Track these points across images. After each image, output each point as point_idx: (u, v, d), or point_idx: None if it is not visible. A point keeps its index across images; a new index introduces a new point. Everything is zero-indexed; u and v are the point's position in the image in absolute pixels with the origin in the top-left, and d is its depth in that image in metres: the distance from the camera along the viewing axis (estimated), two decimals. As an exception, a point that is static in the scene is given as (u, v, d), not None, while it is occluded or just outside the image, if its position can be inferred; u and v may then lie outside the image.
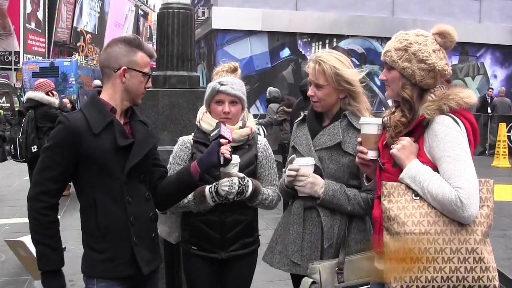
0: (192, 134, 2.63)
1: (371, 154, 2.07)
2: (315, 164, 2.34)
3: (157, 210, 2.24)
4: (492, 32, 17.90)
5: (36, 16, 28.59)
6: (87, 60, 26.02)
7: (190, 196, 2.42)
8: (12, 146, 6.01)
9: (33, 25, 27.90)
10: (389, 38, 2.07)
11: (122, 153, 2.05)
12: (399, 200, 1.85)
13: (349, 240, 2.35)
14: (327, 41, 16.92)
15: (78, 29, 32.67)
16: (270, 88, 10.50)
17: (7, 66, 24.03)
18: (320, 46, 16.74)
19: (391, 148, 1.94)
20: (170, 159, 2.59)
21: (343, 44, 16.86)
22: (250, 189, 2.42)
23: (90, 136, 2.00)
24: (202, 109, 2.63)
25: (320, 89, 2.37)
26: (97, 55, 30.12)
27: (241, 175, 2.40)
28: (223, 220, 2.48)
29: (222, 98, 2.49)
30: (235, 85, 2.50)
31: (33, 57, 25.56)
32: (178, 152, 2.59)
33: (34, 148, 5.86)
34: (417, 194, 1.84)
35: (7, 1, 25.18)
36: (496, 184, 1.88)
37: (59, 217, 2.10)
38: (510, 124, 13.40)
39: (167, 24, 3.87)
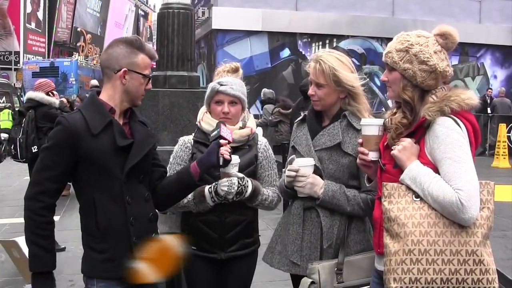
0: (193, 134, 2.63)
1: (372, 155, 2.07)
2: (314, 165, 2.34)
3: (157, 210, 2.24)
4: (492, 32, 17.91)
5: (36, 16, 28.59)
6: (87, 60, 26.04)
7: (190, 196, 2.42)
8: (13, 146, 6.00)
9: (33, 25, 27.91)
10: (389, 39, 2.06)
11: (121, 153, 2.04)
12: (400, 201, 1.85)
13: (349, 240, 2.34)
14: (327, 41, 16.94)
15: (78, 29, 32.67)
16: (265, 90, 10.55)
17: (7, 66, 24.04)
18: (320, 46, 16.76)
19: (392, 149, 1.94)
20: (171, 159, 2.60)
21: (343, 44, 16.87)
22: (249, 189, 2.42)
23: (89, 137, 1.99)
24: (203, 109, 2.63)
25: (321, 88, 2.37)
26: (97, 55, 30.15)
27: (241, 175, 2.40)
28: (222, 220, 2.48)
29: (222, 98, 2.49)
30: (235, 86, 2.50)
31: (33, 57, 25.58)
32: (179, 152, 2.59)
33: (34, 148, 5.86)
34: (417, 196, 1.84)
35: (7, 1, 25.18)
36: (496, 185, 1.87)
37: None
38: (510, 125, 13.40)
39: (167, 24, 3.88)
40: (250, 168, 2.52)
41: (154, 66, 4.15)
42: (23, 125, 6.02)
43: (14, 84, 20.40)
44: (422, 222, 1.79)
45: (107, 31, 37.25)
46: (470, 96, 1.91)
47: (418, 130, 1.92)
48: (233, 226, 2.49)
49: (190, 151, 2.55)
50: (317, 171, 2.34)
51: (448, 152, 1.82)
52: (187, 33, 3.90)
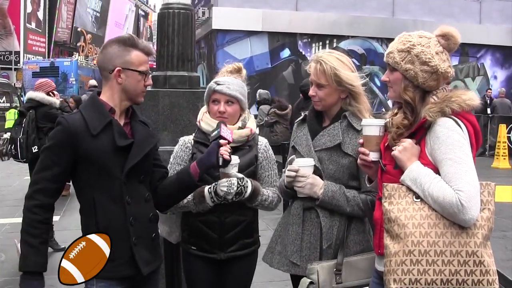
0: (193, 134, 2.63)
1: (373, 156, 2.06)
2: (314, 165, 2.34)
3: (158, 210, 2.24)
4: (492, 33, 17.92)
5: (37, 16, 28.62)
6: (87, 60, 26.07)
7: (190, 196, 2.42)
8: (13, 146, 5.99)
9: (33, 25, 27.93)
10: (389, 39, 2.06)
11: (121, 153, 2.05)
12: (400, 202, 1.85)
13: (348, 241, 2.34)
14: (327, 41, 16.95)
15: (79, 29, 32.69)
16: (260, 90, 10.57)
17: (8, 66, 24.07)
18: (320, 47, 16.77)
19: (393, 150, 1.94)
20: (171, 159, 2.60)
21: (343, 44, 16.88)
22: (249, 189, 2.42)
23: (89, 137, 2.00)
24: (203, 109, 2.64)
25: (322, 89, 2.37)
26: (97, 55, 30.18)
27: (240, 175, 2.40)
28: (222, 220, 2.48)
29: (218, 97, 2.50)
30: (232, 85, 2.50)
31: (33, 57, 25.61)
32: (179, 152, 2.59)
33: (34, 149, 5.85)
34: (418, 196, 1.84)
35: (8, 1, 25.19)
36: (496, 185, 1.87)
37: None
38: (510, 125, 13.40)
39: (167, 24, 3.87)
40: (250, 169, 2.52)
41: (154, 66, 4.14)
42: (23, 125, 6.02)
43: (14, 84, 20.42)
44: (423, 223, 1.79)
45: (107, 31, 37.28)
46: (471, 97, 1.90)
47: (419, 131, 1.92)
48: (232, 226, 2.49)
49: (190, 151, 2.55)
50: (317, 171, 2.34)
51: (448, 153, 1.82)
52: (188, 33, 3.90)
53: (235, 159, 2.35)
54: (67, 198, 7.20)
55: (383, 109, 14.98)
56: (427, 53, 1.91)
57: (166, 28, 3.88)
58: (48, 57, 27.55)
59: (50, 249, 5.00)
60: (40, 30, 28.79)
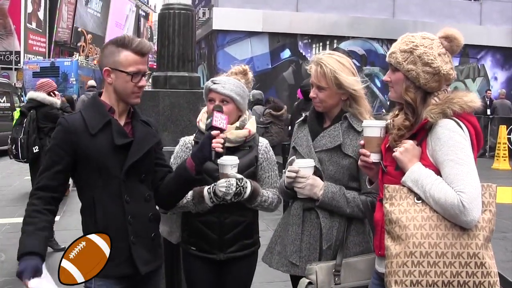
0: (194, 134, 2.63)
1: (374, 157, 2.06)
2: (315, 166, 2.34)
3: (162, 209, 2.24)
4: (492, 34, 17.91)
5: (37, 16, 28.63)
6: (88, 60, 26.09)
7: (189, 196, 2.42)
8: (14, 146, 6.00)
9: (34, 25, 27.94)
10: (390, 40, 2.07)
11: (121, 152, 2.06)
12: (401, 203, 1.85)
13: (348, 242, 2.34)
14: (327, 42, 16.94)
15: (79, 29, 32.70)
16: (253, 91, 10.50)
17: (8, 66, 24.09)
18: (321, 47, 16.75)
19: (394, 151, 1.94)
20: (171, 160, 2.60)
21: (344, 45, 16.87)
22: (248, 190, 2.42)
23: (88, 136, 2.02)
24: (204, 109, 2.64)
25: (322, 91, 2.37)
26: (98, 55, 30.16)
27: (239, 176, 2.39)
28: (222, 221, 2.48)
29: (213, 96, 2.50)
30: (227, 85, 2.49)
31: (33, 57, 25.62)
32: (179, 152, 2.60)
33: (35, 149, 5.84)
34: (419, 198, 1.84)
35: (8, 1, 25.21)
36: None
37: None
38: (511, 126, 13.40)
39: (168, 25, 3.87)
40: (250, 169, 2.51)
41: (155, 67, 4.14)
42: (24, 125, 6.02)
43: (15, 84, 20.41)
44: (424, 224, 1.79)
45: (107, 31, 37.30)
46: (473, 98, 1.90)
47: (420, 132, 1.92)
48: (232, 227, 2.49)
49: (191, 152, 2.55)
50: (317, 172, 2.34)
51: (450, 154, 1.81)
52: (188, 34, 3.90)
53: (235, 159, 2.35)
54: (67, 198, 7.19)
55: (383, 110, 14.98)
56: (429, 54, 1.91)
57: (166, 28, 3.88)
58: (49, 57, 27.56)
59: (50, 249, 5.00)
60: (41, 30, 28.80)
